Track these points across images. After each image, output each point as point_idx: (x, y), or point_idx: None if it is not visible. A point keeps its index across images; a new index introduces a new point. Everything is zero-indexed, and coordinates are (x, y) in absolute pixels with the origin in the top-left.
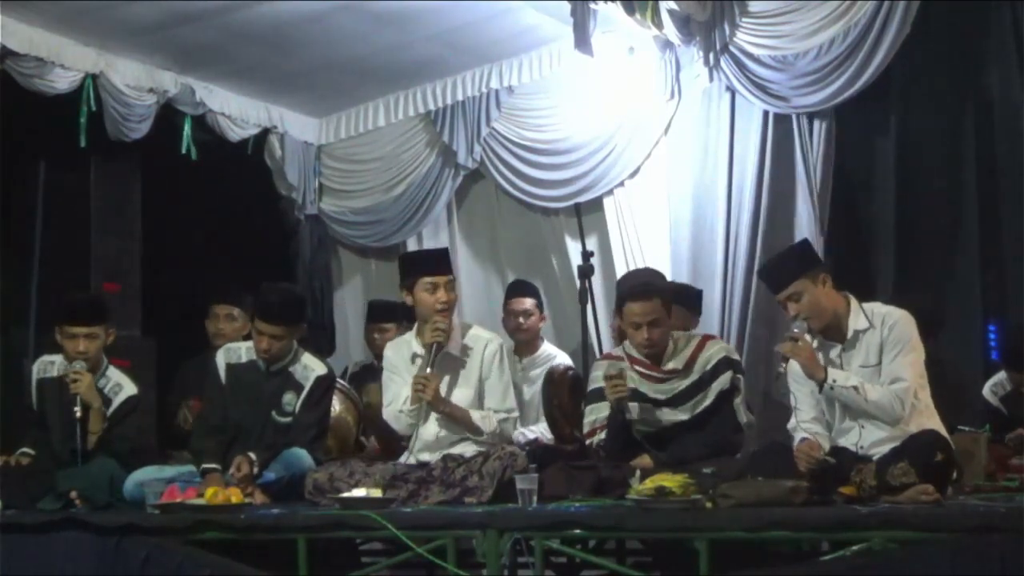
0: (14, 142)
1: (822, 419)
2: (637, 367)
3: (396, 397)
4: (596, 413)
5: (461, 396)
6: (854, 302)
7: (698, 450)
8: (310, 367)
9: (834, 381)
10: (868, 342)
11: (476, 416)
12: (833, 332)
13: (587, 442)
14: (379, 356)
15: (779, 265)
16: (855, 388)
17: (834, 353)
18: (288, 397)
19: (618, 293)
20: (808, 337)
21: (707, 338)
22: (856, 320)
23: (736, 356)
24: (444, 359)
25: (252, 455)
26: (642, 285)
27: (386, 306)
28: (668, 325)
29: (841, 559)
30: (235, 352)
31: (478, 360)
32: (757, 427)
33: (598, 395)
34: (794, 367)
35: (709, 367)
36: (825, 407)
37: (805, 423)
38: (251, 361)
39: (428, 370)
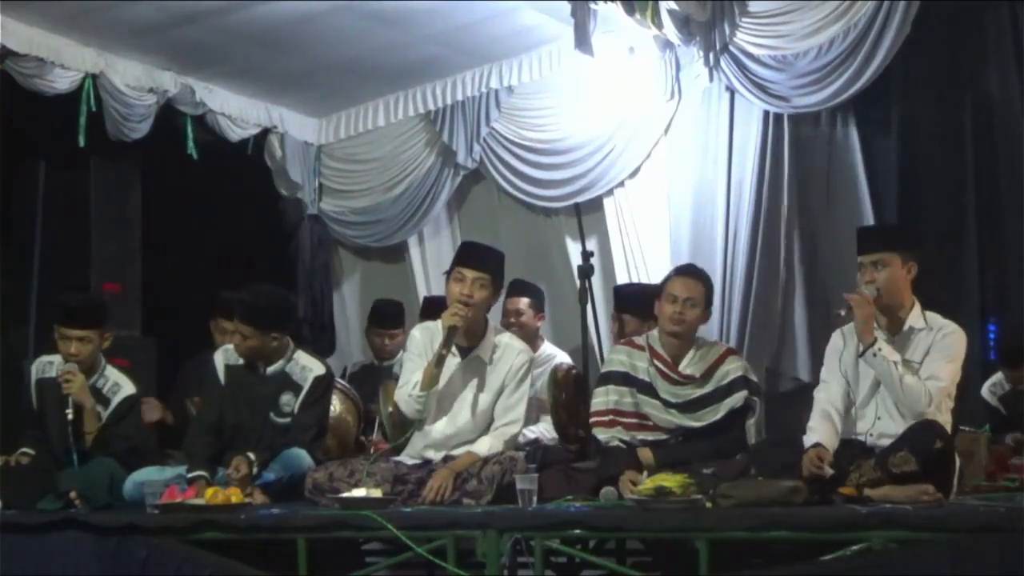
0: (14, 142)
1: (845, 398)
2: (656, 362)
3: (410, 379)
4: (606, 395)
5: (483, 400)
6: (918, 305)
7: (701, 456)
8: (308, 367)
9: (879, 349)
10: (919, 342)
11: (483, 450)
12: (890, 321)
13: (589, 420)
14: (380, 357)
15: (880, 231)
16: (895, 364)
17: (883, 338)
18: (286, 398)
19: (665, 277)
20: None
21: (729, 352)
22: (915, 319)
23: (754, 377)
24: (472, 362)
25: (251, 455)
26: (692, 266)
27: (392, 312)
28: (701, 316)
29: (841, 559)
30: (232, 353)
31: (505, 369)
32: (759, 423)
33: (609, 378)
34: (837, 342)
35: (725, 382)
36: (852, 388)
37: (831, 399)
38: (248, 362)
39: (444, 351)
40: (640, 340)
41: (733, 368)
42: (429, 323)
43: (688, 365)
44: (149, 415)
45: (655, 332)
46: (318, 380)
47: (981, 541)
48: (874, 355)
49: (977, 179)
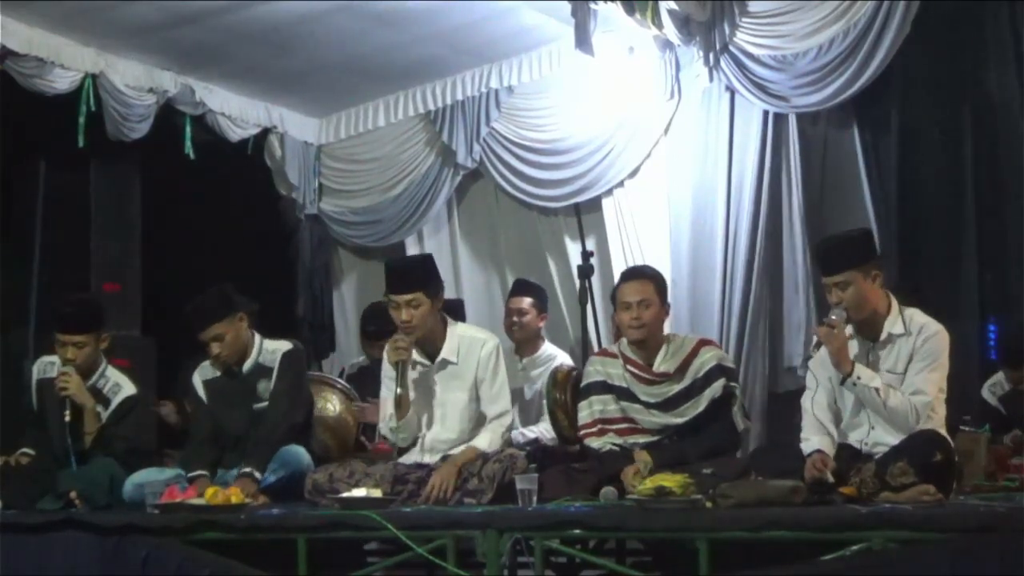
0: (14, 142)
1: (833, 407)
2: (630, 367)
3: (386, 410)
4: (589, 407)
5: (456, 399)
6: (895, 305)
7: (695, 453)
8: (276, 350)
9: (858, 378)
10: (899, 348)
11: (483, 445)
12: (868, 329)
13: (579, 434)
14: (372, 359)
15: (836, 249)
16: (877, 390)
17: (864, 350)
18: (262, 385)
19: (615, 286)
20: (847, 328)
21: (702, 343)
22: (893, 324)
23: (729, 363)
24: (441, 365)
25: (248, 469)
26: (636, 267)
27: (380, 324)
28: (659, 312)
29: (841, 559)
30: (208, 369)
31: (474, 362)
32: (759, 425)
33: (590, 389)
34: (823, 354)
35: (701, 374)
36: (838, 397)
37: (820, 408)
38: (225, 370)
39: (398, 391)
40: (613, 348)
41: (708, 359)
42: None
43: (661, 363)
44: (169, 418)
45: (625, 338)
46: (285, 355)
47: (981, 541)
48: (854, 384)
49: (977, 179)
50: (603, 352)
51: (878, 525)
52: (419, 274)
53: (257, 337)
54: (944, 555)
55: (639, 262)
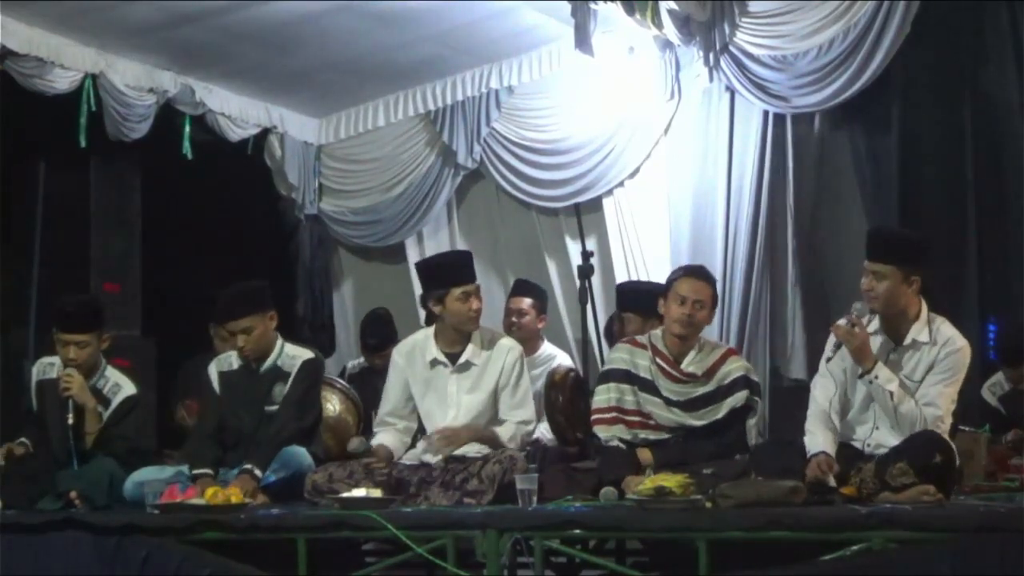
0: (14, 142)
1: (843, 397)
2: (659, 360)
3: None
4: (607, 392)
5: (473, 401)
6: (925, 313)
7: (700, 457)
8: (297, 356)
9: (876, 377)
10: (920, 356)
11: (505, 436)
12: (893, 330)
13: (591, 418)
14: (375, 368)
15: (886, 239)
16: (891, 393)
17: (885, 349)
18: (278, 388)
19: (671, 276)
20: (869, 322)
21: (731, 352)
22: (920, 331)
23: (755, 377)
24: (463, 367)
25: (249, 466)
26: (701, 267)
27: (376, 337)
28: (707, 318)
29: (841, 559)
30: (226, 360)
31: (498, 367)
32: (762, 425)
33: (611, 375)
34: (842, 352)
35: (727, 382)
36: (850, 389)
37: (831, 399)
38: (242, 366)
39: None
40: (642, 339)
41: (735, 368)
42: (409, 341)
43: (690, 364)
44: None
45: (658, 331)
46: (305, 363)
47: (981, 541)
48: (870, 382)
49: (977, 179)
50: (632, 341)
51: (878, 525)
52: (473, 264)
53: (280, 340)
54: (944, 555)
55: (640, 262)
